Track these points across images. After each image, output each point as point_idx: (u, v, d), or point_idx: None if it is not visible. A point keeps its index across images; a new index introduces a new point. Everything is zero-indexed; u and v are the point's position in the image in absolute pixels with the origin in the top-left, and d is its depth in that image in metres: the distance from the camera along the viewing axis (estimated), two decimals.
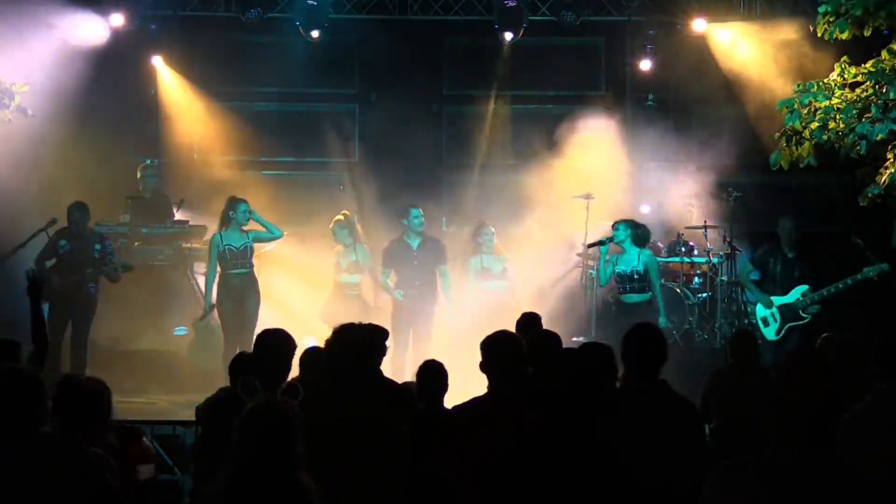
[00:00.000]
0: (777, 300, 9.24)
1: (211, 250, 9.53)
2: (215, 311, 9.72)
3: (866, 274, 9.01)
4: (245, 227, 9.53)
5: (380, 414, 4.31)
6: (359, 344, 4.40)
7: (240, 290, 9.43)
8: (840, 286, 9.08)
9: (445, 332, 9.77)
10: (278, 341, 4.70)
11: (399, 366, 9.08)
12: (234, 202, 9.55)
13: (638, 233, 9.42)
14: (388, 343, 4.93)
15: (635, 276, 9.24)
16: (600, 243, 9.58)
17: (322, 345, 6.25)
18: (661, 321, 8.99)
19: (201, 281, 10.74)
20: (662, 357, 4.46)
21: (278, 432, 3.27)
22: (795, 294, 9.17)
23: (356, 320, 4.73)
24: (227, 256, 9.42)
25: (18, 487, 3.47)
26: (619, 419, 4.14)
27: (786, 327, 9.18)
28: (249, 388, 4.33)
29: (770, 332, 9.22)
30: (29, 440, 3.57)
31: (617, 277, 9.34)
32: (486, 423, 4.23)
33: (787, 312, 9.18)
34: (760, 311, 9.33)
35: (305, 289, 10.43)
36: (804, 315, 9.13)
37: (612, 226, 9.50)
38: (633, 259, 9.28)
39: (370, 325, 4.65)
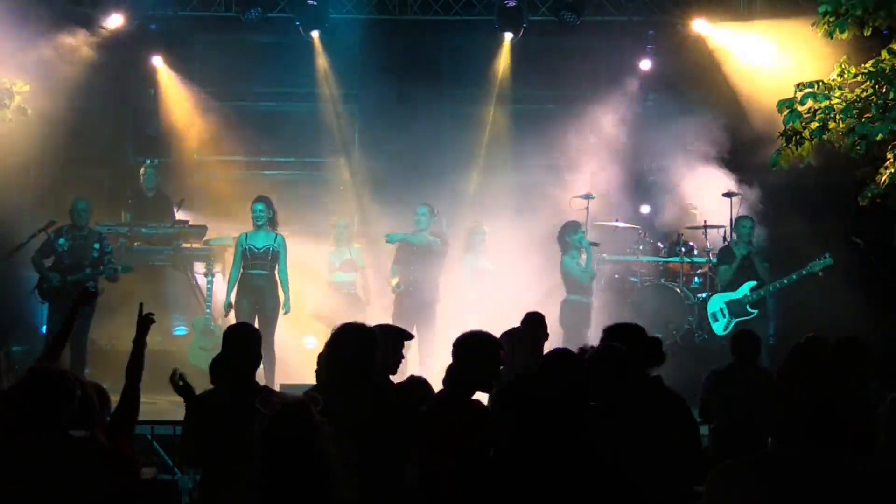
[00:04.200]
0: (725, 296, 9.72)
1: (235, 249, 9.50)
2: (219, 311, 9.72)
3: (811, 269, 9.42)
4: (272, 229, 9.42)
5: (379, 413, 4.32)
6: (355, 343, 4.43)
7: (257, 291, 9.33)
8: (786, 281, 9.57)
9: (449, 329, 9.80)
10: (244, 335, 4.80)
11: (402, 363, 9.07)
12: (252, 202, 9.47)
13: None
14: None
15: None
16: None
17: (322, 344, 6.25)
18: None
19: (201, 281, 10.75)
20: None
21: (302, 433, 3.29)
22: (743, 290, 9.68)
23: (352, 318, 4.77)
24: (248, 256, 9.36)
25: (41, 485, 3.49)
26: (613, 416, 4.19)
27: (733, 322, 9.61)
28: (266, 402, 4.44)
29: (719, 328, 9.73)
30: (54, 438, 3.60)
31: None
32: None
33: (734, 308, 9.68)
34: (711, 306, 9.81)
35: (305, 288, 10.41)
36: (751, 310, 9.57)
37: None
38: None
39: (368, 326, 4.68)
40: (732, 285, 9.85)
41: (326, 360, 4.52)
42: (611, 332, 4.79)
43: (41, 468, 3.52)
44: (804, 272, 9.54)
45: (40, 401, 3.60)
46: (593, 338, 8.11)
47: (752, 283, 9.73)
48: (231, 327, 5.00)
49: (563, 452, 3.52)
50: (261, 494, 3.23)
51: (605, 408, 4.32)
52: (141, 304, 4.90)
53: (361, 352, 4.42)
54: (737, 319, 9.71)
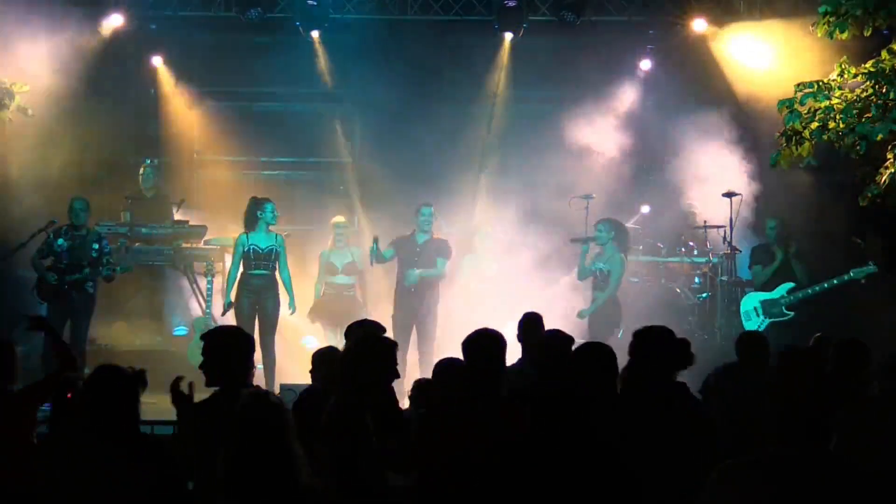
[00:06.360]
0: (760, 296, 9.62)
1: (235, 249, 9.44)
2: (219, 311, 9.73)
3: (854, 275, 9.28)
4: (272, 229, 9.46)
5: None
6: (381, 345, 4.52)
7: (258, 291, 9.33)
8: (826, 286, 9.39)
9: (449, 331, 9.79)
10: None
11: (400, 367, 9.05)
12: (260, 202, 9.45)
13: (619, 235, 9.58)
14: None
15: (598, 276, 9.49)
16: (583, 241, 9.74)
17: (322, 344, 6.26)
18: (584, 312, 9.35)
19: (201, 281, 10.75)
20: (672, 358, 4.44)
21: (272, 422, 3.37)
22: (780, 291, 9.57)
23: (351, 319, 4.77)
24: (251, 257, 9.34)
25: (116, 486, 3.60)
26: (621, 421, 4.13)
27: (766, 322, 9.51)
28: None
29: (751, 326, 9.51)
30: (126, 440, 3.75)
31: (596, 274, 9.57)
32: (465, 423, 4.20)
33: (769, 308, 9.57)
34: (744, 305, 9.72)
35: (305, 289, 10.41)
36: (786, 312, 9.47)
37: (595, 225, 9.71)
38: (606, 258, 9.48)
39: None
40: (768, 286, 9.78)
41: (359, 361, 4.46)
42: (640, 335, 4.69)
43: (117, 471, 3.64)
44: (846, 278, 9.34)
45: (112, 404, 3.78)
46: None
47: (790, 285, 9.60)
48: (216, 332, 4.96)
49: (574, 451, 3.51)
50: (227, 473, 3.32)
51: (600, 407, 4.29)
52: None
53: (388, 353, 4.48)
54: (771, 320, 9.57)
